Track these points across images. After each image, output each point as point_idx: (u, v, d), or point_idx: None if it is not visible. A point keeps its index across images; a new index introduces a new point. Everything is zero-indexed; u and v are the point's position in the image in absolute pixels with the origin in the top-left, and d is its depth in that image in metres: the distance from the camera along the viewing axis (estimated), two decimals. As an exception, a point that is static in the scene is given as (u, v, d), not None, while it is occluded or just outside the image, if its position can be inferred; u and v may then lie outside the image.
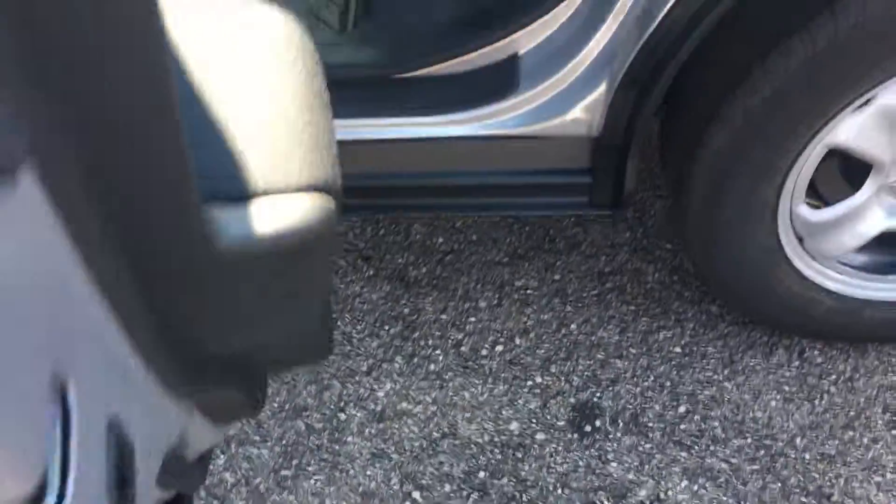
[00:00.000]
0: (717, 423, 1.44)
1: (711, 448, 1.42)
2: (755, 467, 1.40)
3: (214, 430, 0.70)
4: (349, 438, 1.45)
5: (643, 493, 1.39)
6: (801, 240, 1.33)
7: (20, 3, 0.34)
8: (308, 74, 0.61)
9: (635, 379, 1.50)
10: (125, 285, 0.48)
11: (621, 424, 1.45)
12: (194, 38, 0.58)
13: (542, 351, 1.54)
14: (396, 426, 1.46)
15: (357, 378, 1.52)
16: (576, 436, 1.44)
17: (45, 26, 0.36)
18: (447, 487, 1.41)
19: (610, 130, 1.22)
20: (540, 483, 1.40)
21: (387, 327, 1.59)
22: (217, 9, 0.62)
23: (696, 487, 1.39)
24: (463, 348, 1.56)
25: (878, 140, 1.19)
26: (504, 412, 1.47)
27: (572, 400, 1.48)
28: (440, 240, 1.72)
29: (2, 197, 0.34)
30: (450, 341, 1.56)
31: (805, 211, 1.29)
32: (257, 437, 1.45)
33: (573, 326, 1.58)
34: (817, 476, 1.38)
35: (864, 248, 1.35)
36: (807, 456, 1.40)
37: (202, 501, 1.40)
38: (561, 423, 1.45)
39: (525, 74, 1.23)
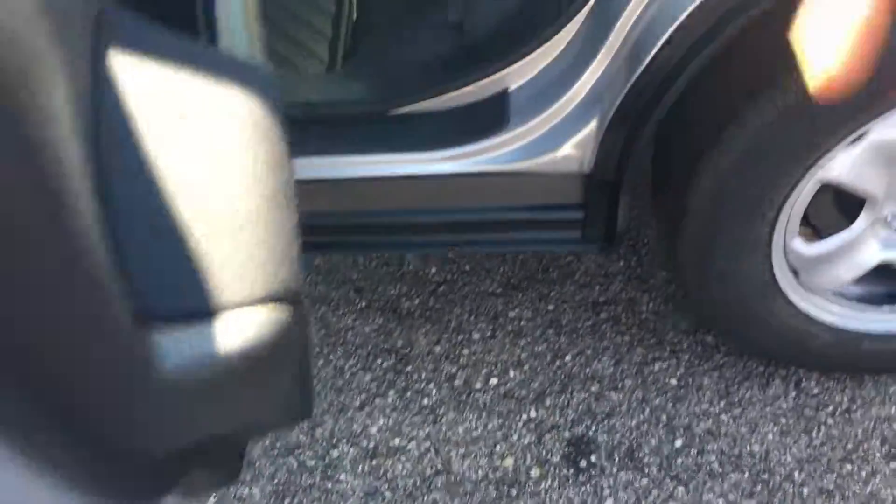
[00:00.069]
0: (713, 458, 1.43)
1: (709, 483, 1.40)
2: (753, 503, 1.38)
3: None
4: (342, 476, 1.44)
5: (640, 529, 1.37)
6: (795, 273, 1.32)
7: None
8: (270, 167, 0.55)
9: (631, 412, 1.48)
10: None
11: (617, 459, 1.43)
12: (146, 121, 0.52)
13: (537, 384, 1.53)
14: (390, 463, 1.45)
15: (349, 413, 1.50)
16: (571, 471, 1.42)
17: None
18: (441, 526, 1.39)
19: (601, 167, 1.21)
20: (535, 520, 1.38)
21: (379, 360, 1.58)
22: (175, 84, 0.55)
23: (693, 523, 1.37)
24: (457, 382, 1.54)
25: (871, 175, 1.18)
26: (499, 447, 1.46)
27: (567, 434, 1.46)
28: (433, 270, 1.70)
29: None
30: (443, 374, 1.55)
31: (799, 245, 1.28)
32: (248, 476, 1.44)
33: (567, 358, 1.56)
34: (815, 510, 1.37)
35: (859, 280, 1.34)
36: (805, 491, 1.39)
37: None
38: (556, 459, 1.44)
39: (515, 111, 1.22)
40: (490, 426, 1.48)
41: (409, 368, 1.56)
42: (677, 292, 1.61)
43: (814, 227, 1.35)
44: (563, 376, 1.54)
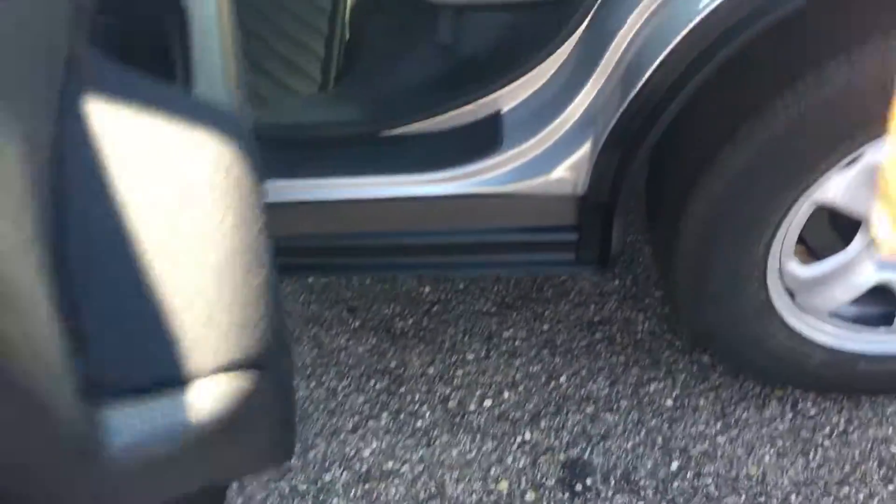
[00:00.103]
0: (710, 480, 1.41)
1: (705, 506, 1.39)
2: (750, 526, 1.37)
3: None
4: (334, 501, 1.42)
5: (636, 553, 1.36)
6: (791, 295, 1.31)
7: None
8: (238, 223, 0.51)
9: (626, 434, 1.47)
10: None
11: (613, 482, 1.42)
12: (111, 173, 0.49)
13: (531, 405, 1.51)
14: (383, 487, 1.43)
15: (342, 436, 1.49)
16: (567, 495, 1.41)
17: None
18: (435, 550, 1.37)
19: (595, 189, 1.20)
20: (530, 545, 1.37)
21: (373, 382, 1.56)
22: (144, 133, 0.51)
23: (689, 547, 1.36)
24: (450, 403, 1.53)
25: (866, 197, 1.18)
26: (493, 471, 1.44)
27: (562, 457, 1.45)
28: (427, 289, 1.69)
29: None
30: (437, 396, 1.54)
31: (795, 267, 1.27)
32: (240, 501, 1.42)
33: (562, 379, 1.55)
34: (813, 534, 1.36)
35: (855, 301, 1.33)
36: (802, 513, 1.37)
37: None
38: (551, 482, 1.42)
39: (509, 132, 1.22)
40: (484, 449, 1.46)
41: (402, 390, 1.55)
42: (672, 312, 1.59)
43: (809, 246, 1.34)
44: (557, 397, 1.52)
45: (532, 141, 1.20)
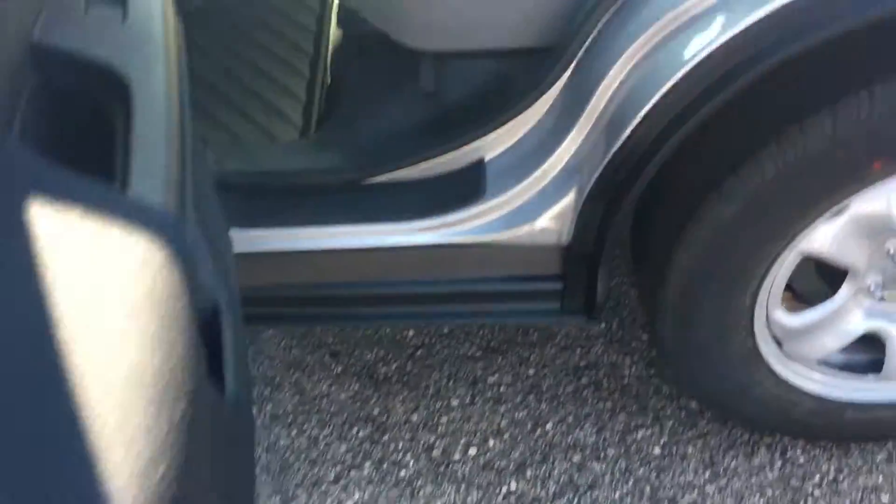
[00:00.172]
0: (699, 531, 1.39)
1: (694, 559, 1.36)
2: (740, 579, 1.34)
3: None
4: (315, 555, 1.38)
5: None
6: (778, 343, 1.30)
7: None
8: (160, 346, 0.44)
9: (614, 483, 1.44)
10: None
11: (600, 534, 1.39)
12: (25, 280, 0.43)
13: (517, 453, 1.49)
14: (365, 540, 1.40)
15: (324, 487, 1.45)
16: (553, 548, 1.38)
17: None
18: None
19: (580, 240, 1.18)
20: None
21: (355, 430, 1.53)
22: (70, 235, 0.45)
23: None
24: (435, 452, 1.49)
25: (852, 247, 1.16)
26: (478, 522, 1.41)
27: (549, 508, 1.42)
28: (411, 333, 1.66)
29: None
30: (421, 444, 1.50)
31: (782, 316, 1.26)
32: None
33: (549, 426, 1.52)
34: (804, 586, 1.33)
35: (843, 349, 1.32)
36: (793, 566, 1.35)
37: None
38: (537, 535, 1.39)
39: (492, 181, 1.20)
40: (469, 499, 1.43)
41: (385, 438, 1.51)
42: (658, 357, 1.57)
43: (796, 292, 1.33)
44: (544, 445, 1.49)
45: (515, 190, 1.18)
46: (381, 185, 1.24)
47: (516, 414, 1.54)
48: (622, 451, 1.48)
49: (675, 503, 1.41)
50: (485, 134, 1.19)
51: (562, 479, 1.45)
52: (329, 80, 1.46)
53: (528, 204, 1.19)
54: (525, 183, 1.18)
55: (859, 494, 1.41)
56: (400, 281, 1.27)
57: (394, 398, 1.57)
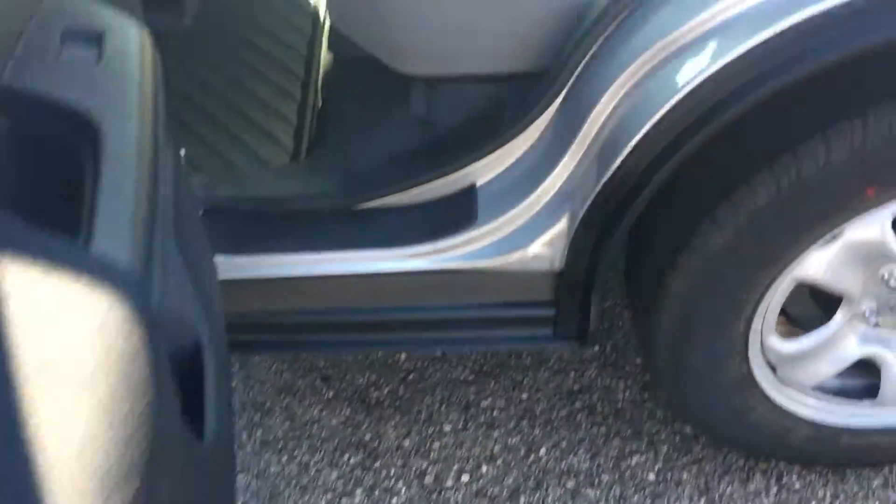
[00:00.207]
0: (694, 559, 1.37)
1: (689, 588, 1.34)
2: None
3: None
4: (305, 586, 1.36)
5: None
6: (773, 368, 1.29)
7: None
8: (115, 416, 0.42)
9: (608, 510, 1.43)
10: None
11: (594, 562, 1.37)
12: None
13: (511, 479, 1.47)
14: (356, 570, 1.37)
15: (314, 515, 1.43)
16: (547, 577, 1.36)
17: None
18: None
19: (572, 266, 1.17)
20: None
21: (346, 456, 1.51)
22: (27, 290, 0.43)
23: None
24: (427, 479, 1.48)
25: (847, 273, 1.16)
26: (471, 551, 1.39)
27: (542, 536, 1.40)
28: (403, 357, 1.65)
29: None
30: (413, 471, 1.49)
31: (776, 342, 1.25)
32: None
33: (542, 451, 1.51)
34: None
35: (838, 374, 1.31)
36: None
37: None
38: (531, 563, 1.37)
39: (483, 207, 1.19)
40: (462, 527, 1.41)
41: (377, 464, 1.50)
42: (652, 382, 1.56)
43: (790, 317, 1.32)
44: (537, 471, 1.48)
45: (507, 216, 1.17)
46: (371, 210, 1.23)
47: (509, 439, 1.52)
48: (616, 477, 1.46)
49: (671, 530, 1.40)
50: (476, 159, 1.18)
51: (555, 506, 1.43)
52: (320, 104, 1.45)
53: (520, 230, 1.18)
54: (517, 209, 1.17)
55: (856, 521, 1.39)
56: (391, 307, 1.25)
57: (385, 423, 1.55)
